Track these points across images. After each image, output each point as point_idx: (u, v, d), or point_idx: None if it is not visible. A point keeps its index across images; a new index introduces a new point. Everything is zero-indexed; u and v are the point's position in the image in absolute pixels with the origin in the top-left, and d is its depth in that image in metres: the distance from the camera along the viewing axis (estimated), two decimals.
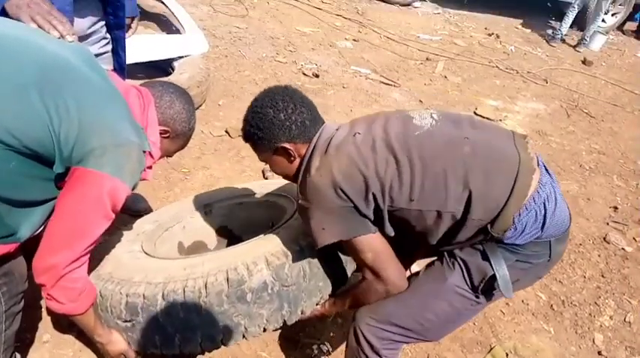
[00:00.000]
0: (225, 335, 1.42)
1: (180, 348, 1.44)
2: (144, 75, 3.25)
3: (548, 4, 8.30)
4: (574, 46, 7.06)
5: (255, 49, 4.80)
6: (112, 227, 1.30)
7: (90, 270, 1.56)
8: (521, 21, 7.87)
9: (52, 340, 1.79)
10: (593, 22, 6.94)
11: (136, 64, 2.99)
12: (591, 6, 6.94)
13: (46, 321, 1.84)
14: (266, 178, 2.90)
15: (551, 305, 2.47)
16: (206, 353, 1.85)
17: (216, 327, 1.40)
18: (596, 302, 2.54)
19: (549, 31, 7.48)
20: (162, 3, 3.73)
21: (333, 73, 4.71)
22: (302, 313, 1.52)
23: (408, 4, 7.42)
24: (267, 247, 1.50)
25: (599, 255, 2.91)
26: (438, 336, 1.52)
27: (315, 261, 1.51)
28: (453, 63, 5.69)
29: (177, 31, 3.60)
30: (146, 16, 3.70)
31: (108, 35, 1.90)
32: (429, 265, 1.48)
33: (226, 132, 3.37)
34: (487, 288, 1.34)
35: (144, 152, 1.27)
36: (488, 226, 1.27)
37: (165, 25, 3.76)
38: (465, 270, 1.35)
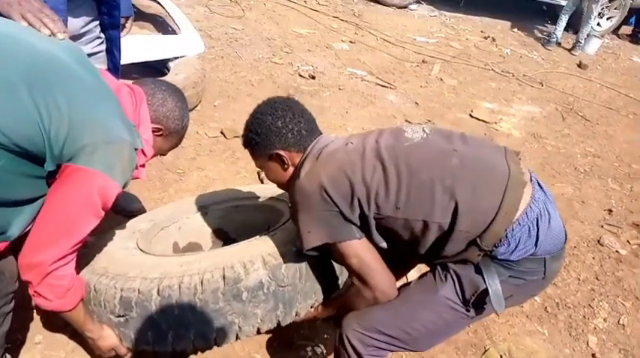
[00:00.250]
0: (219, 333, 1.42)
1: (173, 345, 1.43)
2: (139, 75, 3.23)
3: (544, 7, 8.34)
4: (569, 50, 7.11)
5: (251, 50, 4.80)
6: (104, 226, 1.29)
7: (84, 265, 1.56)
8: (517, 24, 7.90)
9: (44, 341, 1.77)
10: (585, 25, 6.95)
11: (132, 64, 2.98)
12: (583, 9, 6.96)
13: (37, 322, 1.83)
14: (261, 180, 2.89)
15: (546, 308, 2.47)
16: (200, 355, 1.84)
17: (210, 325, 1.40)
18: (590, 305, 2.54)
19: (545, 35, 7.52)
20: (158, 3, 3.72)
21: (329, 75, 4.71)
22: (296, 315, 1.52)
23: (405, 7, 7.44)
24: (265, 247, 1.50)
25: (593, 258, 2.91)
26: (424, 347, 1.50)
27: (312, 263, 1.51)
28: (449, 65, 5.71)
29: (173, 32, 3.59)
30: (142, 16, 3.69)
31: (102, 35, 1.89)
32: (421, 276, 1.47)
33: (222, 133, 3.36)
34: (478, 302, 1.33)
35: (136, 150, 1.26)
36: (478, 239, 1.26)
37: (161, 25, 3.75)
38: (457, 283, 1.33)
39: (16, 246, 1.23)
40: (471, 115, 4.58)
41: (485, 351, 2.13)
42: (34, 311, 1.84)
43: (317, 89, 4.37)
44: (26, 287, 1.25)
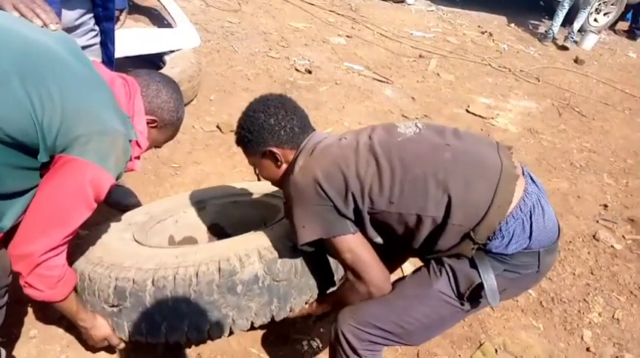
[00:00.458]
0: (213, 326, 1.41)
1: (166, 337, 1.43)
2: (134, 69, 3.22)
3: (541, 2, 8.34)
4: (561, 44, 6.99)
5: (247, 44, 4.78)
6: (99, 219, 1.28)
7: (79, 255, 1.55)
8: (514, 19, 7.89)
9: (39, 335, 1.76)
10: (578, 16, 6.89)
11: (127, 57, 2.96)
12: (579, 3, 6.92)
13: (32, 316, 1.82)
14: (258, 176, 2.88)
15: (541, 302, 2.47)
16: (195, 350, 1.84)
17: (204, 317, 1.40)
18: (585, 299, 2.55)
19: (542, 30, 7.51)
20: None
21: (326, 69, 4.70)
22: (290, 310, 1.52)
23: (402, 1, 7.42)
24: (261, 241, 1.50)
25: (588, 253, 2.92)
26: (419, 341, 1.51)
27: (308, 259, 1.51)
28: (446, 60, 5.70)
29: (169, 25, 3.57)
30: (137, 9, 3.68)
31: (96, 27, 1.87)
32: (416, 270, 1.47)
33: (218, 127, 3.35)
34: (473, 296, 1.33)
35: (130, 141, 1.25)
36: (471, 233, 1.26)
37: (157, 18, 3.74)
38: (451, 277, 1.34)
39: (8, 239, 1.22)
40: (467, 110, 4.57)
41: (481, 345, 2.14)
42: (29, 305, 1.83)
43: (313, 84, 4.35)
44: (19, 280, 1.24)
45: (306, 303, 1.56)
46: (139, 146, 1.34)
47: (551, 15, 7.45)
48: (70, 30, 1.71)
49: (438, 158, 1.29)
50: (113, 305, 1.43)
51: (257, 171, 1.62)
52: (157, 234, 1.91)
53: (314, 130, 1.54)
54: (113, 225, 1.83)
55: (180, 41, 3.38)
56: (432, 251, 1.35)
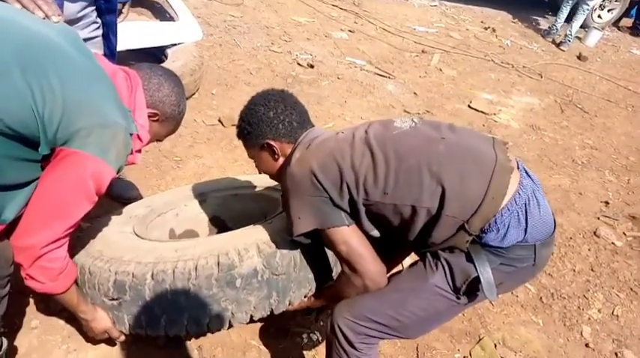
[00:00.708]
0: (212, 319, 1.42)
1: (166, 330, 1.43)
2: (137, 62, 3.21)
3: None
4: (557, 45, 6.88)
5: (249, 38, 4.77)
6: (100, 212, 1.28)
7: (80, 248, 1.56)
8: (517, 15, 7.86)
9: (40, 326, 1.78)
10: (575, 18, 6.75)
11: (129, 51, 2.96)
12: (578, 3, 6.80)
13: (34, 307, 1.83)
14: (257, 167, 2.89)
15: (541, 298, 2.48)
16: (196, 342, 1.85)
17: (203, 310, 1.40)
18: (585, 296, 2.56)
19: (545, 26, 7.48)
20: None
21: (328, 64, 4.69)
22: (289, 304, 1.52)
23: None
24: (260, 235, 1.51)
25: (589, 249, 2.92)
26: (415, 334, 1.51)
27: (306, 253, 1.51)
28: (449, 56, 5.68)
29: (171, 19, 3.56)
30: (139, 2, 3.66)
31: (98, 20, 1.87)
32: (412, 264, 1.48)
33: (219, 121, 3.35)
34: (470, 290, 1.34)
35: (131, 135, 1.25)
36: (466, 224, 1.26)
37: (159, 12, 3.72)
38: (447, 271, 1.34)
39: (10, 230, 1.23)
40: (469, 106, 4.57)
41: (480, 340, 2.15)
42: (31, 296, 1.85)
43: (315, 78, 4.35)
44: (20, 271, 1.25)
45: (305, 297, 1.57)
46: (140, 139, 1.34)
47: (554, 11, 7.41)
48: (72, 22, 1.71)
49: (432, 150, 1.30)
50: (113, 299, 1.44)
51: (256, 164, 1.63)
52: (158, 227, 1.92)
53: (312, 126, 1.56)
54: (114, 218, 1.84)
55: (183, 34, 3.38)
56: (427, 243, 1.35)
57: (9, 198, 1.18)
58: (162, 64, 3.05)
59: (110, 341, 1.68)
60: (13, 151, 1.12)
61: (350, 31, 5.68)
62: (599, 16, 7.73)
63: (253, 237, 1.49)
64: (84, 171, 1.16)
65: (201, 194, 2.11)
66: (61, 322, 1.79)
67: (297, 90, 3.92)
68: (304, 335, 1.99)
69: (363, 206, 1.35)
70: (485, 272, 1.29)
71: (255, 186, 2.15)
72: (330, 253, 1.63)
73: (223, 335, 1.89)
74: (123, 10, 2.11)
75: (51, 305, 1.81)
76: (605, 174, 3.88)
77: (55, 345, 1.73)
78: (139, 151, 1.36)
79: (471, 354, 2.08)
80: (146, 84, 1.39)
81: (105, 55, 1.91)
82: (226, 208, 2.14)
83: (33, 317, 1.80)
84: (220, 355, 1.85)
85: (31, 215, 1.19)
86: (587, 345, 2.25)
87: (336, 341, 1.45)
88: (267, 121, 1.48)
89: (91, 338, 1.61)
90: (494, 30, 6.92)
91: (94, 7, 1.83)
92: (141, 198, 2.40)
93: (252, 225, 1.61)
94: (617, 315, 2.46)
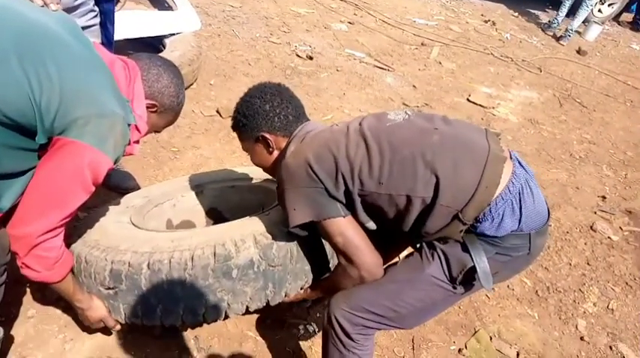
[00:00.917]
0: (208, 309, 1.42)
1: (162, 319, 1.44)
2: (134, 51, 3.19)
3: None
4: (559, 36, 6.90)
5: (248, 28, 4.74)
6: (97, 202, 1.28)
7: (77, 238, 1.56)
8: (517, 9, 7.83)
9: (37, 315, 1.78)
10: (578, 13, 6.75)
11: (127, 40, 2.94)
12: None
13: (31, 296, 1.83)
14: None
15: (536, 291, 2.49)
16: (192, 332, 1.86)
17: (199, 301, 1.41)
18: (580, 289, 2.57)
19: (545, 20, 7.46)
20: None
21: (327, 56, 4.67)
22: (285, 295, 1.53)
23: None
24: (257, 226, 1.50)
25: (585, 243, 2.94)
26: (412, 324, 1.52)
27: (303, 245, 1.51)
28: (448, 49, 5.66)
29: (169, 8, 3.53)
30: None
31: (96, 8, 1.86)
32: (408, 255, 1.48)
33: (217, 112, 3.34)
34: (466, 280, 1.35)
35: (129, 125, 1.25)
36: (460, 214, 1.27)
37: (157, 1, 3.69)
38: (444, 261, 1.35)
39: (7, 219, 1.22)
40: (468, 99, 4.56)
41: (476, 332, 2.16)
42: (28, 285, 1.85)
43: (314, 70, 4.33)
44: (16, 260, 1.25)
45: (301, 288, 1.57)
46: (138, 130, 1.33)
47: (554, 5, 7.39)
48: (69, 10, 1.70)
49: (425, 141, 1.31)
50: (109, 288, 1.44)
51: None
52: (155, 217, 1.91)
53: (308, 120, 1.56)
54: (111, 207, 1.83)
55: (181, 24, 3.35)
56: (422, 233, 1.36)
57: (5, 186, 1.17)
58: (159, 54, 3.05)
59: (106, 331, 1.69)
60: (10, 140, 1.11)
61: (349, 22, 5.65)
62: (599, 11, 7.71)
63: (250, 228, 1.49)
64: (81, 161, 1.15)
65: (199, 185, 2.11)
66: (58, 311, 1.80)
67: (295, 82, 3.91)
68: (301, 327, 2.00)
69: (359, 196, 1.35)
70: (482, 262, 1.30)
71: (252, 178, 2.15)
72: (327, 245, 1.63)
73: (219, 325, 1.89)
74: None
75: (47, 294, 1.81)
76: (602, 169, 3.89)
77: (51, 335, 1.73)
78: (137, 142, 1.35)
79: (466, 346, 2.09)
80: (145, 74, 1.38)
81: (102, 43, 1.90)
82: (223, 199, 2.14)
83: (29, 306, 1.80)
84: (217, 345, 1.85)
85: (27, 204, 1.19)
86: (582, 338, 2.27)
87: (332, 332, 1.46)
88: (262, 114, 1.48)
89: (87, 327, 1.61)
90: (494, 23, 6.89)
91: None
92: (138, 188, 2.39)
93: (249, 217, 1.61)
94: (612, 309, 2.48)
